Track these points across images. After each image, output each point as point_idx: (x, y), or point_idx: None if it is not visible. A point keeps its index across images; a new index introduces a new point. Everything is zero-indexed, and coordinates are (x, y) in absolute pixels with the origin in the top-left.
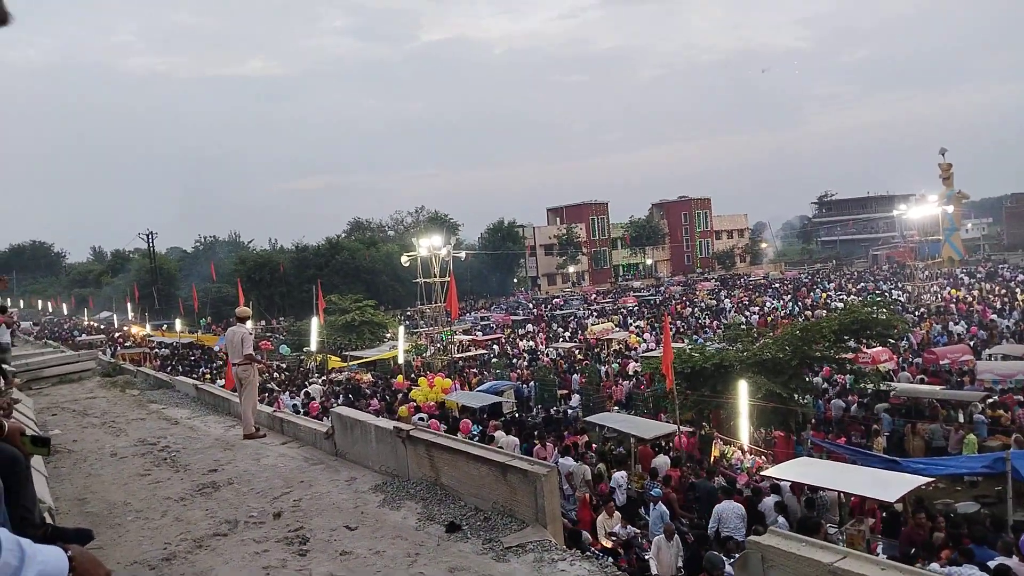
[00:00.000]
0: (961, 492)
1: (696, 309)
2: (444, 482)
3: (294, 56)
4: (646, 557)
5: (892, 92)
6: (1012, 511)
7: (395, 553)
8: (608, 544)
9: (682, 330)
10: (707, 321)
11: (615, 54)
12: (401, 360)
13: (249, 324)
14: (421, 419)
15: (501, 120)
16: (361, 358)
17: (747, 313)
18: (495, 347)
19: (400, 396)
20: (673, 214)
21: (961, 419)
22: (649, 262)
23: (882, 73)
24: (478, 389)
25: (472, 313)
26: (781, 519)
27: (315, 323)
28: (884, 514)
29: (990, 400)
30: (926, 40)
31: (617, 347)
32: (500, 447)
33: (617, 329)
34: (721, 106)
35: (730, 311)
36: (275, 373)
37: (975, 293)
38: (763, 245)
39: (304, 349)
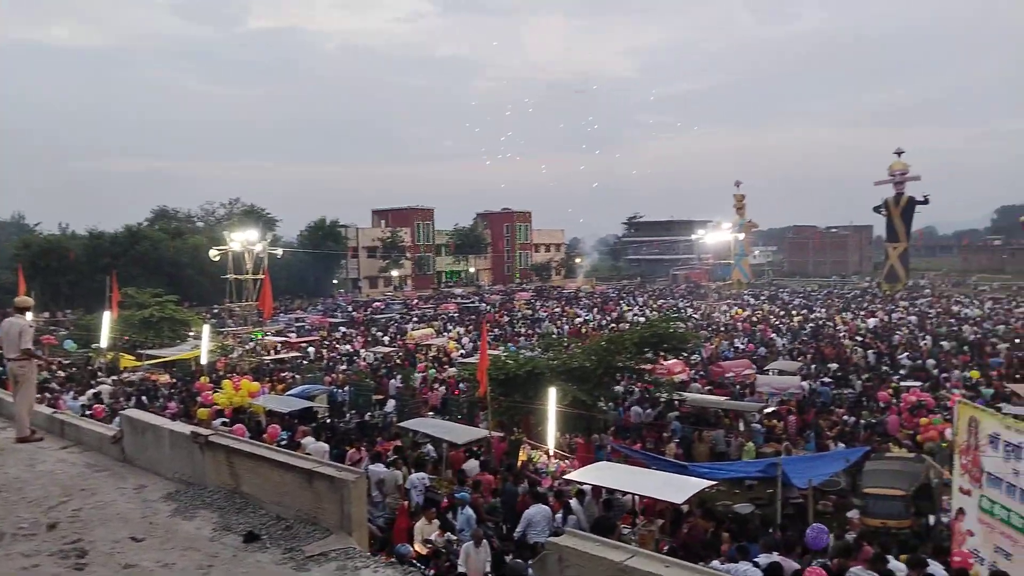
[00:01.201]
0: (739, 495)
1: (513, 318)
2: (245, 490)
3: (106, 26)
4: (458, 564)
5: (703, 125)
6: (780, 511)
7: (186, 565)
8: (424, 551)
9: (499, 338)
10: (523, 330)
11: (452, 63)
12: (204, 361)
13: (29, 316)
14: (225, 423)
15: (331, 116)
16: (159, 357)
17: (559, 323)
18: (310, 350)
19: (200, 399)
20: (496, 225)
21: (741, 427)
22: (472, 270)
23: (695, 107)
24: (289, 393)
25: (287, 313)
26: (572, 518)
27: (107, 317)
28: (670, 515)
29: (766, 411)
30: (733, 81)
31: (435, 353)
32: (308, 453)
33: (440, 336)
34: (549, 124)
35: (544, 321)
36: (58, 371)
37: (759, 313)
38: (577, 260)
39: (93, 346)
